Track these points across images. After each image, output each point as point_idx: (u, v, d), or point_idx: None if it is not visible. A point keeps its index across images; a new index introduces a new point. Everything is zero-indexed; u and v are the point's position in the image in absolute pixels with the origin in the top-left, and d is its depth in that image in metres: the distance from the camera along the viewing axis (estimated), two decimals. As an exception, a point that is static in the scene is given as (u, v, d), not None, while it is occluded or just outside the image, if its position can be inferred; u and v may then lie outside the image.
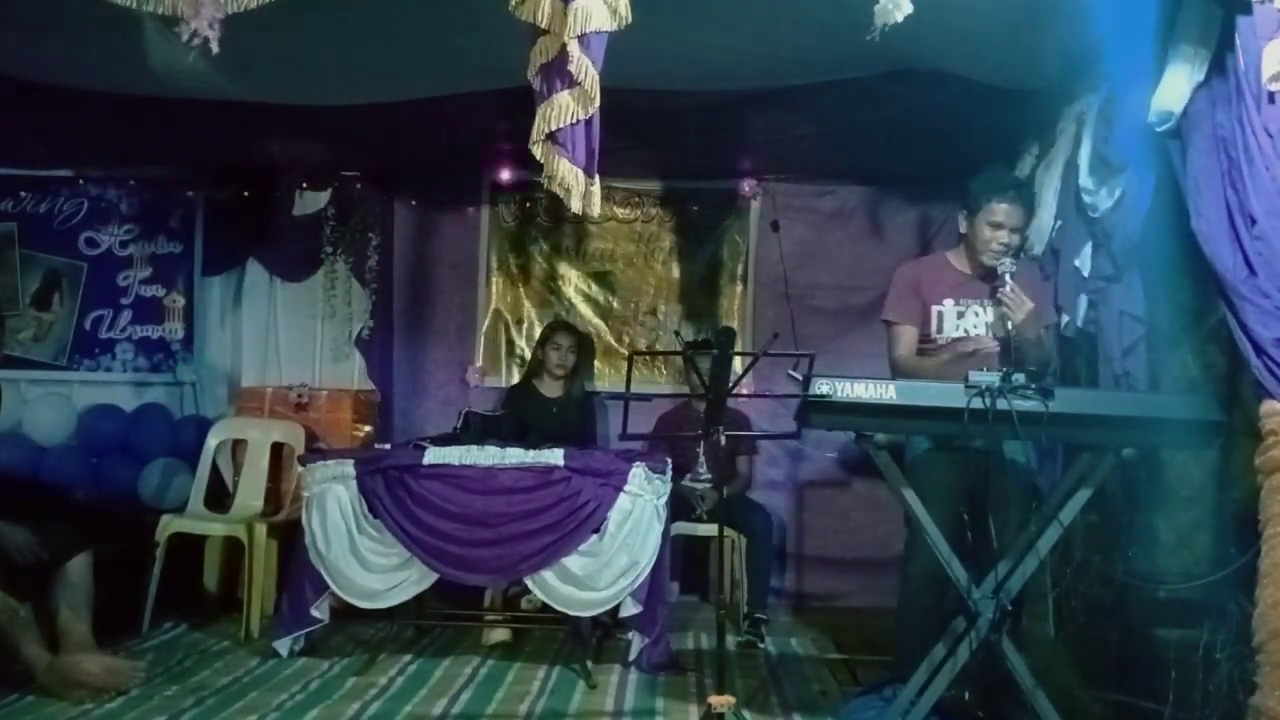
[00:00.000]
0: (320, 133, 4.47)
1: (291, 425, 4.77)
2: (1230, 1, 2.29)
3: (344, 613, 3.93)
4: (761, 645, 4.21)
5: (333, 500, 3.73)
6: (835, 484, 5.09)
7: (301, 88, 3.65)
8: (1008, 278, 3.04)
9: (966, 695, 2.89)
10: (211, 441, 4.69)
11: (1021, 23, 2.85)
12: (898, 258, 4.26)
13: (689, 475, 3.13)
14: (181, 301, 5.33)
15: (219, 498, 4.67)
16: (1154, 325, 2.88)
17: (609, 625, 4.10)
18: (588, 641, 3.96)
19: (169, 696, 3.30)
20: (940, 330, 3.24)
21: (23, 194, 5.31)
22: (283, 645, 3.78)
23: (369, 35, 3.16)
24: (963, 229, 3.28)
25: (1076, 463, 2.77)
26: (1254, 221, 2.25)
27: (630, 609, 3.69)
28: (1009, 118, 3.70)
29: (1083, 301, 3.24)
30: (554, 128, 2.26)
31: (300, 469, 3.92)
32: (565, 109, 2.24)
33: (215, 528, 4.40)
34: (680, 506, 4.23)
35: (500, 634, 4.09)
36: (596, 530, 3.64)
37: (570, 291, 5.34)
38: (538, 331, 5.15)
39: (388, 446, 4.15)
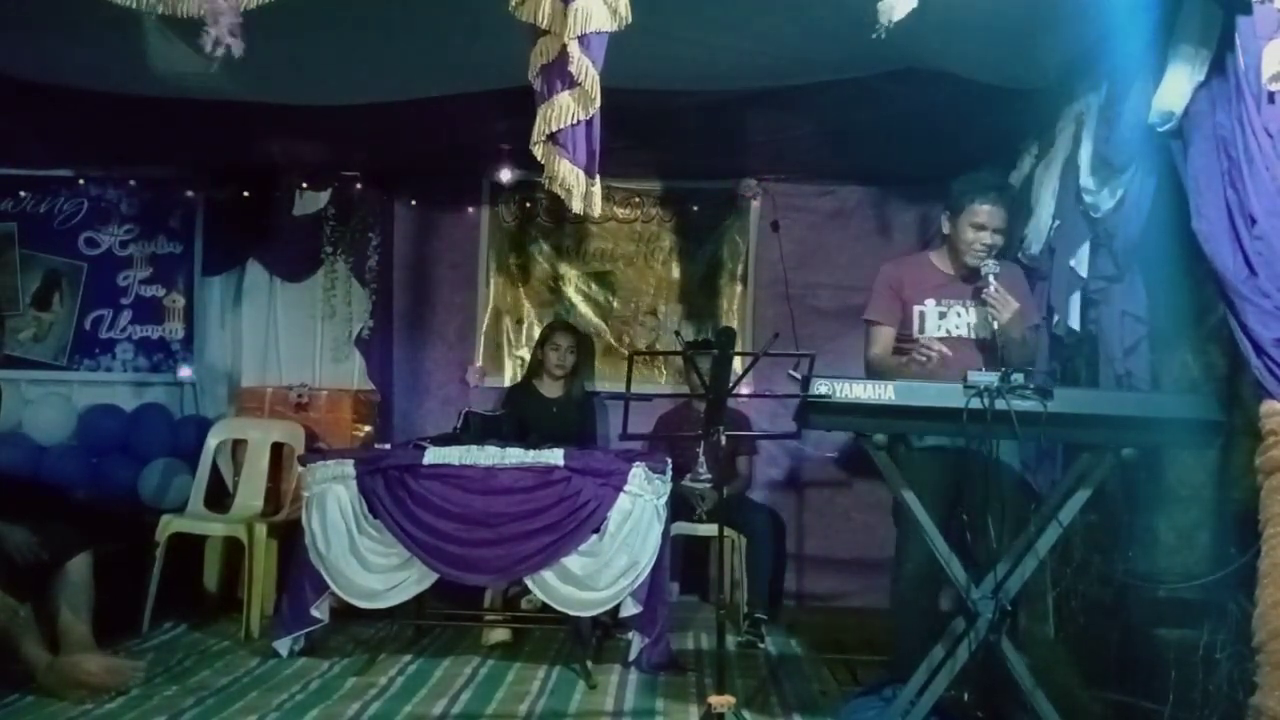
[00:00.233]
0: (320, 133, 4.47)
1: (291, 425, 4.77)
2: (1230, 2, 2.29)
3: (344, 613, 3.93)
4: (761, 645, 4.21)
5: (333, 500, 3.73)
6: (835, 484, 5.09)
7: (301, 88, 3.65)
8: (991, 278, 3.06)
9: (966, 696, 2.89)
10: (211, 441, 4.69)
11: (1021, 22, 2.85)
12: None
13: (689, 475, 3.13)
14: (181, 301, 5.33)
15: (219, 498, 4.67)
16: (1155, 325, 2.89)
17: (609, 625, 4.11)
18: (588, 641, 3.96)
19: (169, 696, 3.30)
20: (922, 330, 3.26)
21: (23, 194, 5.32)
22: (283, 645, 3.79)
23: (369, 35, 3.16)
24: (945, 230, 3.30)
25: (1076, 463, 2.77)
26: (1254, 221, 2.25)
27: (630, 609, 3.69)
28: (1009, 118, 3.70)
29: (1076, 301, 3.24)
30: (555, 128, 2.26)
31: (300, 469, 3.92)
32: (566, 110, 2.24)
33: (215, 528, 4.40)
34: (680, 506, 4.23)
35: (500, 634, 4.09)
36: (596, 530, 3.64)
37: (570, 291, 5.34)
38: (538, 331, 5.15)
39: (388, 446, 4.15)
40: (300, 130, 4.39)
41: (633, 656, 3.76)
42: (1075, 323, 3.25)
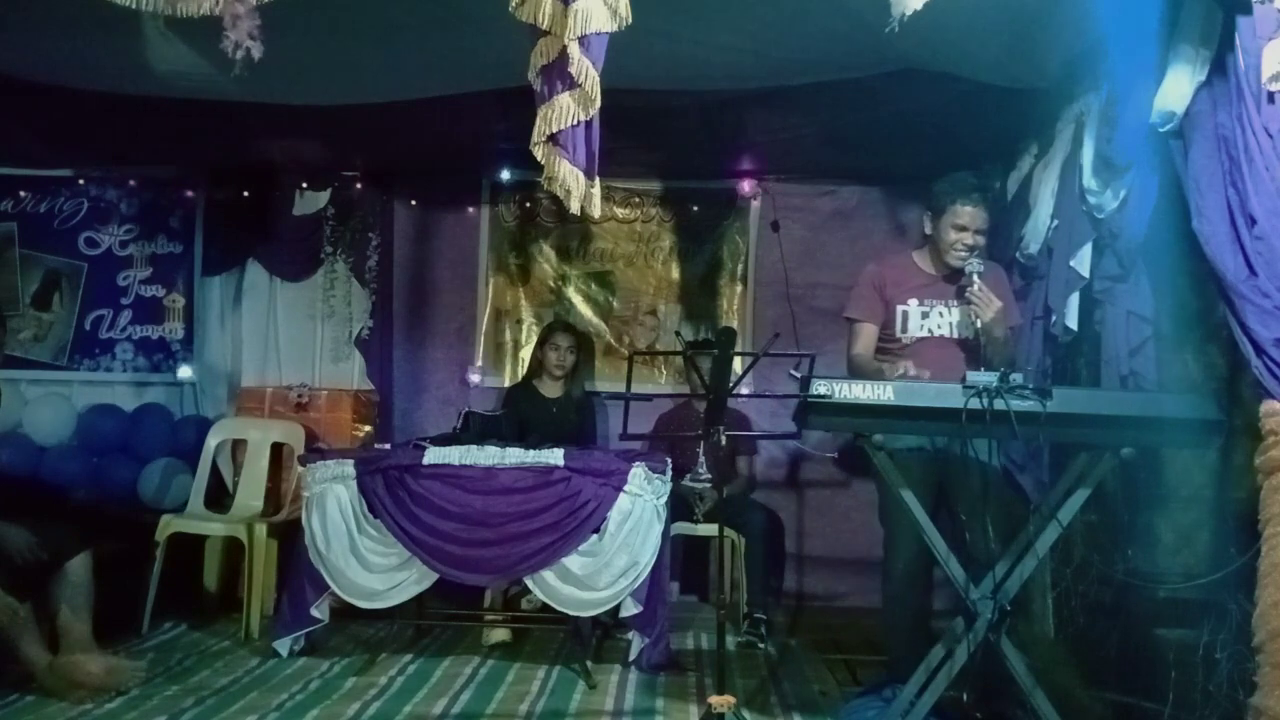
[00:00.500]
0: (320, 133, 4.47)
1: (291, 425, 4.77)
2: (1231, 2, 2.29)
3: (344, 613, 3.93)
4: (761, 645, 4.21)
5: (333, 500, 3.73)
6: (835, 484, 5.08)
7: (301, 88, 3.65)
8: (975, 277, 3.08)
9: (965, 696, 2.89)
10: (211, 441, 4.69)
11: (1021, 23, 2.85)
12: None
13: (689, 475, 3.12)
14: (181, 301, 5.32)
15: (219, 498, 4.67)
16: (1158, 325, 2.89)
17: (609, 625, 4.11)
18: (588, 641, 3.97)
19: (169, 696, 3.30)
20: (905, 330, 3.27)
21: (23, 194, 5.31)
22: (283, 645, 3.79)
23: (369, 35, 3.16)
24: (927, 230, 3.31)
25: (1075, 462, 2.77)
26: (1254, 221, 2.26)
27: (630, 609, 3.69)
28: (1009, 118, 3.70)
29: (1074, 301, 3.25)
30: (555, 129, 2.26)
31: (300, 469, 3.92)
32: (566, 111, 2.24)
33: (215, 528, 4.40)
34: (680, 506, 4.23)
35: (500, 634, 4.09)
36: (596, 530, 3.64)
37: (570, 291, 5.33)
38: (538, 331, 5.15)
39: (388, 446, 4.15)
40: (300, 130, 4.39)
41: (633, 656, 3.76)
42: (1073, 322, 3.25)
